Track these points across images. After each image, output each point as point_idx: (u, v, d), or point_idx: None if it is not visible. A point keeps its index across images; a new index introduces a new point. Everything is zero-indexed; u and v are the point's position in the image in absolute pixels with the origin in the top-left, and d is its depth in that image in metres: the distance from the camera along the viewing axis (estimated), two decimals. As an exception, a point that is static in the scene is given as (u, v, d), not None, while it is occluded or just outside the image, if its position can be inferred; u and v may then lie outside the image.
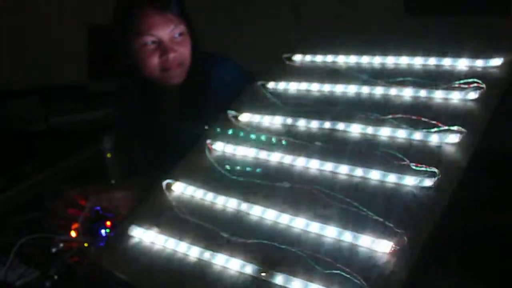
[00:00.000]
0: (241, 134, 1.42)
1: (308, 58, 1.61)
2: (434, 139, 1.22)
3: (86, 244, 1.43)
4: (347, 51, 1.55)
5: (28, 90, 3.59)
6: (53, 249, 1.38)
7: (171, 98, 1.78)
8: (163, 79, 1.71)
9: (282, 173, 1.30)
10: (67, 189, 1.69)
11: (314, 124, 1.38)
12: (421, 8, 3.00)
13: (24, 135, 3.14)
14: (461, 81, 1.31)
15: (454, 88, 1.31)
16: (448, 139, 1.21)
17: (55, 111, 3.43)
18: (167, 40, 1.67)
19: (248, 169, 1.34)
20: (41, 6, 3.81)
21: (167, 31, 1.66)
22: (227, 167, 1.35)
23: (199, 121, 1.51)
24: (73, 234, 1.45)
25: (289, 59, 1.63)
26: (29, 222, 1.59)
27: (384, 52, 1.49)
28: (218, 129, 1.47)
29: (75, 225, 1.46)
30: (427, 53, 1.43)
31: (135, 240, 1.29)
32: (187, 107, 1.76)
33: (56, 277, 1.28)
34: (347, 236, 1.10)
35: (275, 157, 1.34)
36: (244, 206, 1.25)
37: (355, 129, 1.32)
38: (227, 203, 1.28)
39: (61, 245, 1.39)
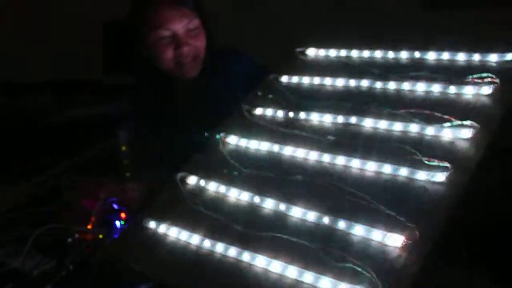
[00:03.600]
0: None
1: (321, 52, 1.61)
2: (447, 133, 1.22)
3: (100, 236, 1.45)
4: (361, 46, 1.55)
5: (45, 84, 3.63)
6: (69, 240, 1.40)
7: (187, 91, 1.80)
8: (178, 72, 1.73)
9: (294, 167, 1.31)
10: (83, 182, 1.71)
11: (327, 118, 1.39)
12: (436, 3, 2.98)
13: (40, 128, 3.17)
14: (475, 76, 1.31)
15: (467, 83, 1.31)
16: (461, 134, 1.20)
17: (70, 104, 3.46)
18: (182, 34, 1.68)
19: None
20: (57, 1, 3.84)
21: (182, 25, 1.67)
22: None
23: (214, 115, 1.52)
24: (88, 225, 1.47)
25: (302, 53, 1.64)
26: (45, 214, 1.61)
27: (398, 47, 1.49)
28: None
29: (90, 217, 1.48)
30: (441, 47, 1.43)
31: (149, 232, 1.31)
32: (203, 100, 1.77)
33: (71, 267, 1.30)
34: (359, 230, 1.11)
35: (288, 151, 1.35)
36: (257, 199, 1.26)
37: (368, 124, 1.32)
38: (240, 196, 1.29)
39: (76, 235, 1.41)
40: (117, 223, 1.50)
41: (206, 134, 1.50)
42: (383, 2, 2.91)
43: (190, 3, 1.69)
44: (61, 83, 3.64)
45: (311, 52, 1.63)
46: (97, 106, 3.32)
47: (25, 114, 3.37)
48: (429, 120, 1.26)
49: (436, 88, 1.33)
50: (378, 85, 1.42)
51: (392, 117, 1.31)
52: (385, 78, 1.42)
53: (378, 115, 1.33)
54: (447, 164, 1.15)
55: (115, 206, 1.54)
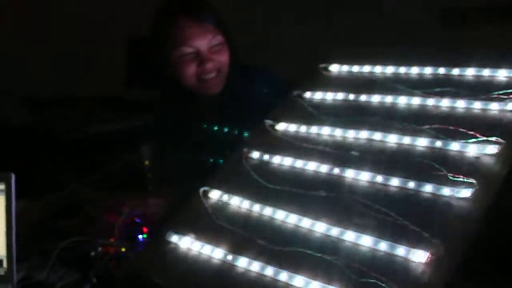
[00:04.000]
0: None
1: (344, 68, 1.62)
2: (472, 149, 1.21)
3: (123, 249, 1.45)
4: (384, 62, 1.55)
5: (69, 99, 3.67)
6: (92, 253, 1.41)
7: (210, 107, 1.81)
8: (201, 88, 1.74)
9: (318, 182, 1.31)
10: (106, 196, 1.73)
11: (351, 134, 1.39)
12: (456, 19, 2.98)
13: (64, 143, 3.21)
14: (500, 92, 1.30)
15: (492, 99, 1.30)
16: (486, 150, 1.20)
17: (93, 120, 3.50)
18: (205, 50, 1.69)
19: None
20: (83, 18, 3.90)
21: (205, 41, 1.69)
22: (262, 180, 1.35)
23: (237, 130, 1.52)
24: (111, 239, 1.48)
25: (325, 69, 1.64)
26: (69, 228, 1.62)
27: (422, 63, 1.49)
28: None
29: (113, 230, 1.49)
30: (466, 63, 1.43)
31: (172, 245, 1.31)
32: (225, 116, 1.78)
33: (94, 280, 1.31)
34: (383, 246, 1.10)
35: (312, 166, 1.35)
36: (280, 214, 1.25)
37: (392, 139, 1.32)
38: (263, 211, 1.29)
39: (100, 249, 1.42)
40: (140, 236, 1.51)
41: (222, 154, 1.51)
42: (403, 20, 2.92)
43: (213, 19, 1.71)
44: (84, 98, 3.68)
45: (334, 68, 1.63)
46: (119, 121, 3.36)
47: (49, 129, 3.41)
48: (454, 136, 1.25)
49: (461, 104, 1.33)
50: (402, 100, 1.41)
51: (417, 133, 1.30)
52: (409, 93, 1.41)
53: (402, 131, 1.32)
54: (472, 180, 1.14)
55: (137, 220, 1.55)
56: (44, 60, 3.85)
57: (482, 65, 1.40)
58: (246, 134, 1.52)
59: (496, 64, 1.38)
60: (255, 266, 1.16)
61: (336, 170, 1.31)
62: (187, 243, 1.29)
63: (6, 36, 3.74)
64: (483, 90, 1.33)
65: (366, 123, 1.39)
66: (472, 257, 1.05)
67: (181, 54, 1.70)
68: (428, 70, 1.47)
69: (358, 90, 1.50)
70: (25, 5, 3.96)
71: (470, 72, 1.41)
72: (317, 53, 1.71)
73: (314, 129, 1.45)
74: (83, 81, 3.74)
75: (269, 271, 1.14)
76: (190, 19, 1.69)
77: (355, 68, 1.60)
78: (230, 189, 1.38)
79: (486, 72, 1.39)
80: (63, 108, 3.63)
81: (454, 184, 1.16)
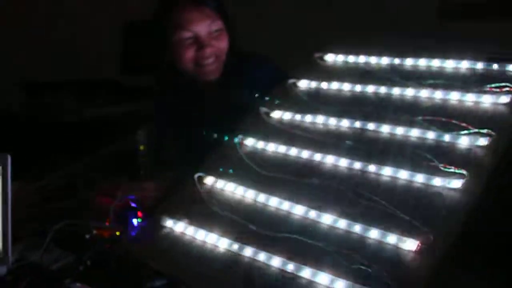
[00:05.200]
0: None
1: (340, 58, 1.63)
2: (463, 141, 1.23)
3: (118, 233, 1.47)
4: (379, 53, 1.56)
5: (64, 83, 3.67)
6: (87, 236, 1.42)
7: (207, 93, 1.81)
8: (199, 74, 1.74)
9: (311, 170, 1.32)
10: (100, 179, 1.74)
11: (345, 123, 1.40)
12: (453, 13, 2.97)
13: (59, 126, 3.21)
14: (493, 85, 1.32)
15: (485, 92, 1.32)
16: (478, 142, 1.21)
17: (89, 103, 3.49)
18: (204, 35, 1.69)
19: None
20: (80, 1, 3.89)
21: (204, 26, 1.69)
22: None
23: (234, 116, 1.53)
24: (105, 222, 1.49)
25: (321, 58, 1.65)
26: (64, 210, 1.63)
27: (416, 55, 1.50)
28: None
29: (108, 214, 1.50)
30: (460, 56, 1.44)
31: (166, 230, 1.33)
32: (223, 102, 1.78)
33: (89, 262, 1.32)
34: (374, 233, 1.12)
35: (305, 154, 1.36)
36: (274, 201, 1.27)
37: (386, 129, 1.34)
38: (257, 197, 1.30)
39: (94, 232, 1.43)
40: (134, 220, 1.52)
41: (215, 135, 1.52)
42: (398, 13, 2.91)
43: (213, 4, 1.71)
44: (81, 82, 3.68)
45: (330, 57, 1.64)
46: (116, 105, 3.36)
47: (44, 112, 3.41)
48: (446, 127, 1.27)
49: (454, 96, 1.34)
50: (396, 91, 1.43)
51: (410, 124, 1.32)
52: (403, 85, 1.43)
53: (396, 122, 1.34)
54: (463, 171, 1.16)
55: (132, 204, 1.56)
56: (40, 44, 3.84)
57: (475, 58, 1.42)
58: (241, 122, 1.53)
59: (489, 57, 1.40)
60: (248, 252, 1.18)
61: (329, 159, 1.32)
62: (181, 228, 1.30)
63: (2, 22, 3.72)
64: (477, 83, 1.35)
65: (360, 113, 1.40)
66: (463, 253, 1.07)
67: (180, 39, 1.70)
68: (422, 62, 1.49)
69: (352, 80, 1.51)
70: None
71: (464, 65, 1.43)
72: (313, 41, 1.71)
73: (308, 118, 1.46)
74: (79, 64, 3.74)
75: (261, 256, 1.16)
76: (190, 4, 1.69)
77: (351, 58, 1.61)
78: (224, 175, 1.39)
79: (479, 66, 1.41)
80: (58, 92, 3.62)
81: (445, 174, 1.17)
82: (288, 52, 2.13)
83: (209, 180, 1.40)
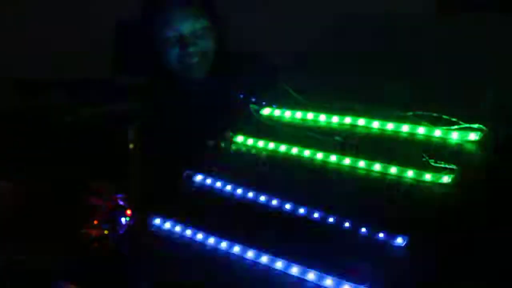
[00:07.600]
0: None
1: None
2: (454, 136, 1.22)
3: (106, 231, 1.45)
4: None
5: (57, 82, 3.64)
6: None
7: (194, 91, 1.80)
8: (185, 72, 1.73)
9: (301, 166, 1.31)
10: (89, 179, 1.72)
11: (335, 119, 1.39)
12: (452, 6, 2.95)
13: (52, 126, 3.19)
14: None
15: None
16: (469, 137, 1.20)
17: (81, 103, 3.47)
18: (188, 34, 1.68)
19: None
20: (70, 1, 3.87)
21: (188, 25, 1.68)
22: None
23: (222, 115, 1.52)
24: (94, 221, 1.48)
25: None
26: (53, 209, 1.62)
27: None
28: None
29: (96, 213, 1.49)
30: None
31: (154, 228, 1.31)
32: (210, 101, 1.76)
33: (76, 261, 1.30)
34: (364, 229, 1.11)
35: (294, 150, 1.35)
36: (263, 197, 1.26)
37: (376, 125, 1.33)
38: (246, 194, 1.29)
39: (82, 230, 1.42)
40: (123, 219, 1.50)
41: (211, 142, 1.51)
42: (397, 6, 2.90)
43: (198, 3, 1.70)
44: (73, 81, 3.66)
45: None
46: (107, 105, 3.34)
47: (37, 111, 3.39)
48: (437, 122, 1.26)
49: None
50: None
51: (400, 119, 1.31)
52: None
53: (387, 117, 1.33)
54: (454, 166, 1.15)
55: (120, 202, 1.54)
56: (33, 42, 3.81)
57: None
58: (230, 120, 1.51)
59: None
60: (236, 249, 1.17)
61: (319, 154, 1.31)
62: (169, 226, 1.29)
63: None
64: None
65: (351, 110, 1.40)
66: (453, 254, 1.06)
67: (165, 37, 1.69)
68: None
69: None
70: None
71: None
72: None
73: (298, 114, 1.45)
74: (72, 63, 3.72)
75: (250, 254, 1.15)
76: (174, 3, 1.68)
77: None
78: (213, 172, 1.38)
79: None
80: (52, 91, 3.60)
81: (436, 170, 1.16)
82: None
83: (198, 178, 1.39)
